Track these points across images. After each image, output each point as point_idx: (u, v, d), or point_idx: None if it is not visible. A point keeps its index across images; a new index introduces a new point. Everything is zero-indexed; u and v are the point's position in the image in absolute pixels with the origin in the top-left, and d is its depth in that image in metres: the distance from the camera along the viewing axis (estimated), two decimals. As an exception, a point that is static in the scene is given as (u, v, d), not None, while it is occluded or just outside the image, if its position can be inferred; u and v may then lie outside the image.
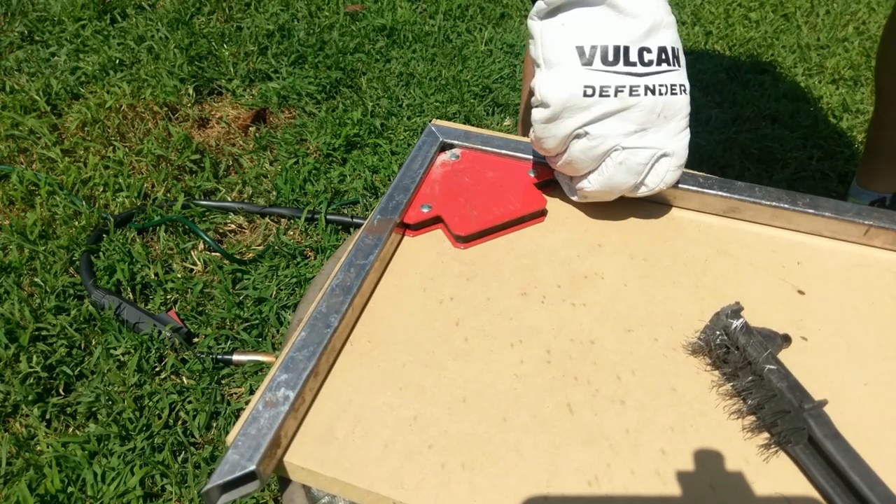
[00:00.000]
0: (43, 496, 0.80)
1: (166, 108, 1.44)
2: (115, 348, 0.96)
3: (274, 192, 1.25)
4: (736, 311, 0.45)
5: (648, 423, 0.42)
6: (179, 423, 0.91)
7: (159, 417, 0.90)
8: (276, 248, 1.13)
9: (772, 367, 0.41)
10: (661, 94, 0.49)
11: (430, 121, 0.63)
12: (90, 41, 1.65)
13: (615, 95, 0.48)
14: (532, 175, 0.59)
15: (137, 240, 1.13)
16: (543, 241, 0.55)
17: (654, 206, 0.58)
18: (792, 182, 1.35)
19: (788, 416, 0.40)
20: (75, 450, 0.85)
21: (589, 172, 0.53)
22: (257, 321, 1.02)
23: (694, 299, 0.50)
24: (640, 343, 0.47)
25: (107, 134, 1.37)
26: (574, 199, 0.57)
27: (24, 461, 0.83)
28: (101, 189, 1.24)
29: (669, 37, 0.50)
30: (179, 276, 1.08)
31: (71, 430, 0.89)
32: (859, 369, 0.45)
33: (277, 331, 1.02)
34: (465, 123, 1.22)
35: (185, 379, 0.95)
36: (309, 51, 1.65)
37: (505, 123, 1.48)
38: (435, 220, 0.55)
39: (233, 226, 1.20)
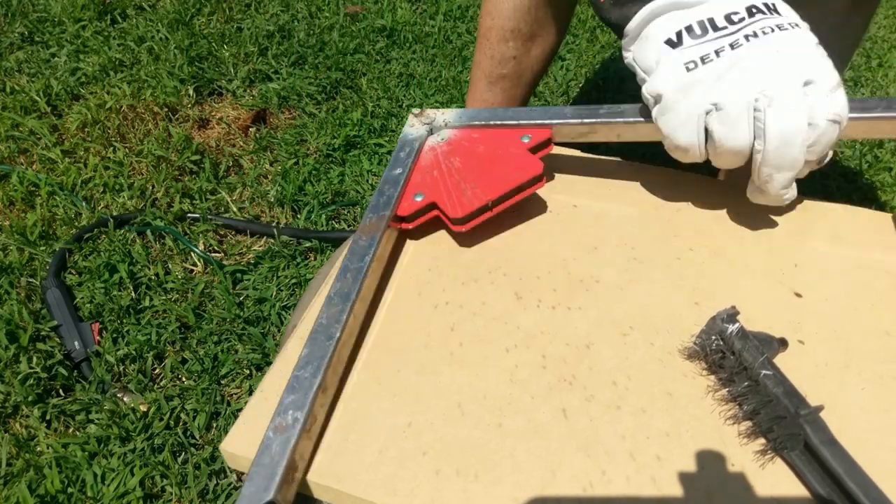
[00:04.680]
0: (43, 497, 0.81)
1: (166, 109, 1.44)
2: (114, 350, 0.96)
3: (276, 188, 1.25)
4: (732, 315, 0.44)
5: (644, 429, 0.41)
6: (179, 423, 0.91)
7: (159, 419, 0.90)
8: (276, 248, 1.13)
9: (767, 372, 0.41)
10: (766, 33, 0.46)
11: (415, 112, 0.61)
12: (90, 42, 1.66)
13: (718, 56, 0.46)
14: (525, 141, 0.56)
15: (137, 240, 1.13)
16: (539, 244, 0.55)
17: (649, 207, 0.58)
18: (793, 181, 1.34)
19: (784, 422, 0.40)
20: (75, 450, 0.85)
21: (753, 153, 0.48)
22: (258, 319, 1.02)
23: (690, 302, 0.50)
24: (636, 347, 0.46)
25: (107, 135, 1.37)
26: (769, 202, 0.52)
27: (25, 462, 0.84)
28: (102, 190, 1.24)
29: None
30: (180, 276, 1.09)
31: (71, 430, 0.89)
32: (857, 374, 0.45)
33: (279, 329, 1.02)
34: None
35: (184, 379, 0.96)
36: (309, 51, 1.65)
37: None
38: (430, 208, 0.53)
39: (233, 227, 1.20)
